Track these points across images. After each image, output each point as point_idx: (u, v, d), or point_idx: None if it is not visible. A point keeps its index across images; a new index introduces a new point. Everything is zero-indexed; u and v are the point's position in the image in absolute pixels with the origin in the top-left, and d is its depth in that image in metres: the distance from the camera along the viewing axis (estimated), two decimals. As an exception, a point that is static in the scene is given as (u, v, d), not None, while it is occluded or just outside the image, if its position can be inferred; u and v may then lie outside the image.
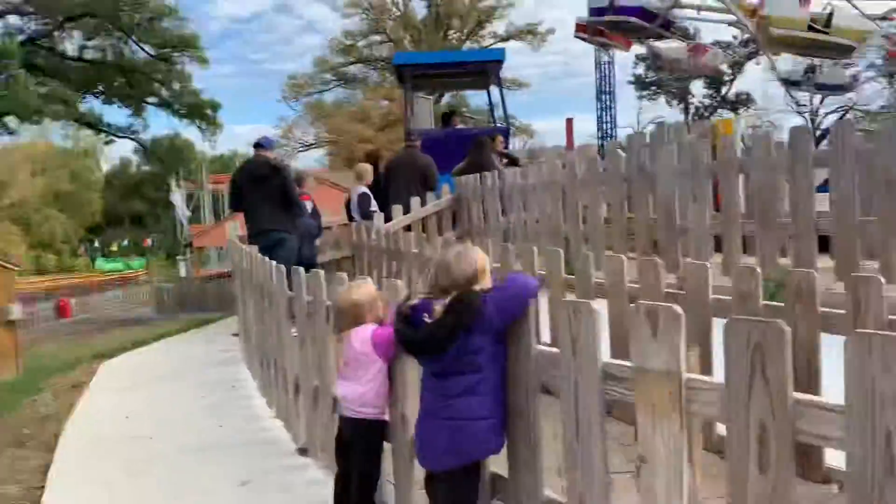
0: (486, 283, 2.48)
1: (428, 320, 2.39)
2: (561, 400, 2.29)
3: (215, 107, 47.09)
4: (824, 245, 5.06)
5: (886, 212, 4.42)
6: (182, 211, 43.50)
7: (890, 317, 2.99)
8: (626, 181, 6.54)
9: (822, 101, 31.22)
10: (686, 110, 48.65)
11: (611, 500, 2.18)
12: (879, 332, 1.55)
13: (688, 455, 2.06)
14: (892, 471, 1.51)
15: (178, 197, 43.16)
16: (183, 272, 37.83)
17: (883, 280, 3.06)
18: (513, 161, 10.15)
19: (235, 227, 9.03)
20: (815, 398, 1.70)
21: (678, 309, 1.94)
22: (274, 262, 4.89)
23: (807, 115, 35.55)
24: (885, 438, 1.52)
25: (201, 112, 46.06)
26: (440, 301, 2.42)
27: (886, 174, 4.40)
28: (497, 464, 2.63)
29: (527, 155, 11.61)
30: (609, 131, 35.34)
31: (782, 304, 3.41)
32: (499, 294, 2.40)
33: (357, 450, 3.11)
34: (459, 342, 2.36)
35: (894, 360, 1.50)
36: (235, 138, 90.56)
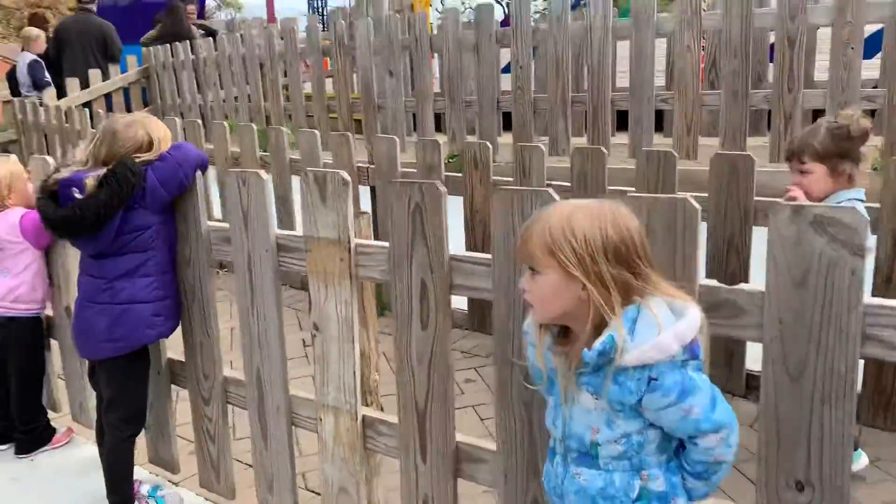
0: (155, 154, 2.18)
1: (78, 195, 2.07)
2: (235, 276, 2.18)
3: None
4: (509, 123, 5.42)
5: (554, 89, 4.82)
6: None
7: (549, 181, 3.28)
8: (325, 55, 6.36)
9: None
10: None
11: (287, 371, 2.16)
12: (521, 188, 1.64)
13: (361, 319, 2.10)
14: (530, 314, 1.64)
15: None
16: None
17: (545, 149, 3.34)
18: (210, 33, 9.35)
19: None
20: (468, 254, 1.78)
21: (345, 175, 1.90)
22: None
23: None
24: (523, 285, 1.64)
25: None
26: (94, 173, 2.10)
27: (555, 53, 4.76)
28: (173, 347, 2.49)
29: (225, 27, 10.78)
30: (319, 7, 34.23)
31: (461, 174, 3.60)
32: (162, 165, 2.15)
33: (13, 350, 2.74)
34: (119, 220, 2.10)
35: (531, 213, 1.60)
36: None
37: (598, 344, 1.22)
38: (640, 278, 1.25)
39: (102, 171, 2.08)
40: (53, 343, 2.97)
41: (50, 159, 2.72)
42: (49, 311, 2.89)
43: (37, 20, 9.15)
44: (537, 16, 5.17)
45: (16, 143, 7.95)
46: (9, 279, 2.69)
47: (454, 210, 3.70)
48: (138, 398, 2.29)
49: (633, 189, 3.00)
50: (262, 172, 2.09)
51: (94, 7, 8.48)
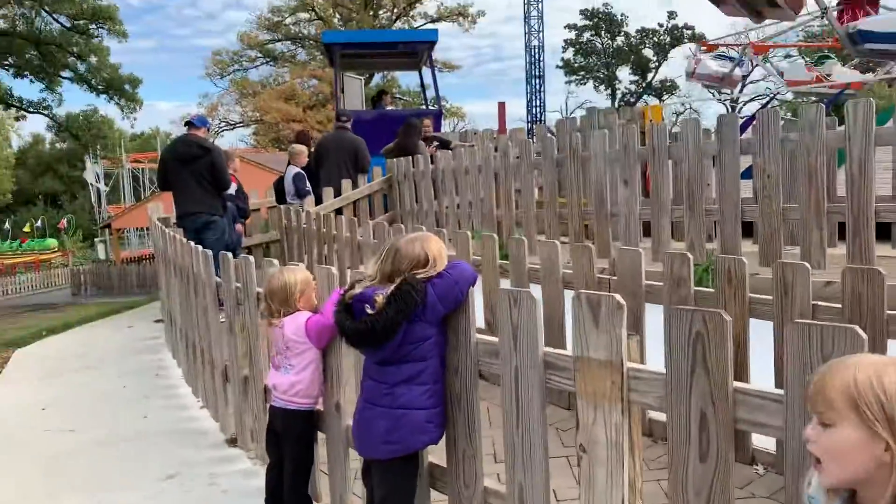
0: (433, 270, 2.37)
1: (369, 311, 2.30)
2: (501, 390, 2.26)
3: (135, 82, 45.47)
4: (747, 230, 5.20)
5: (807, 198, 4.57)
6: (99, 187, 41.48)
7: (812, 302, 3.07)
8: (558, 165, 6.57)
9: (741, 90, 32.22)
10: (613, 95, 49.64)
11: (549, 487, 2.17)
12: (818, 322, 1.56)
13: (628, 443, 2.07)
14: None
15: (91, 173, 41.04)
16: (101, 254, 36.34)
17: (808, 266, 3.15)
18: (444, 144, 10.07)
19: (157, 207, 8.70)
20: (754, 387, 1.71)
21: (620, 299, 1.93)
22: (200, 247, 4.70)
23: (727, 102, 36.73)
24: (821, 426, 1.54)
25: (120, 87, 44.44)
26: (382, 290, 2.33)
27: (807, 161, 4.53)
28: (435, 452, 2.60)
29: (459, 138, 11.55)
30: (538, 115, 35.72)
31: (711, 290, 3.48)
32: (441, 282, 2.34)
33: (289, 440, 3.03)
34: (402, 331, 2.30)
35: (832, 350, 1.52)
36: (158, 115, 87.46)
37: None
38: None
39: (390, 287, 2.29)
40: (320, 436, 3.23)
41: (334, 270, 3.05)
42: (320, 406, 3.16)
43: (303, 137, 10.42)
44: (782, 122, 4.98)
45: (277, 242, 9.00)
46: (292, 375, 3.00)
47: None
48: (407, 500, 2.41)
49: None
50: (532, 293, 2.19)
51: (349, 125, 9.52)
